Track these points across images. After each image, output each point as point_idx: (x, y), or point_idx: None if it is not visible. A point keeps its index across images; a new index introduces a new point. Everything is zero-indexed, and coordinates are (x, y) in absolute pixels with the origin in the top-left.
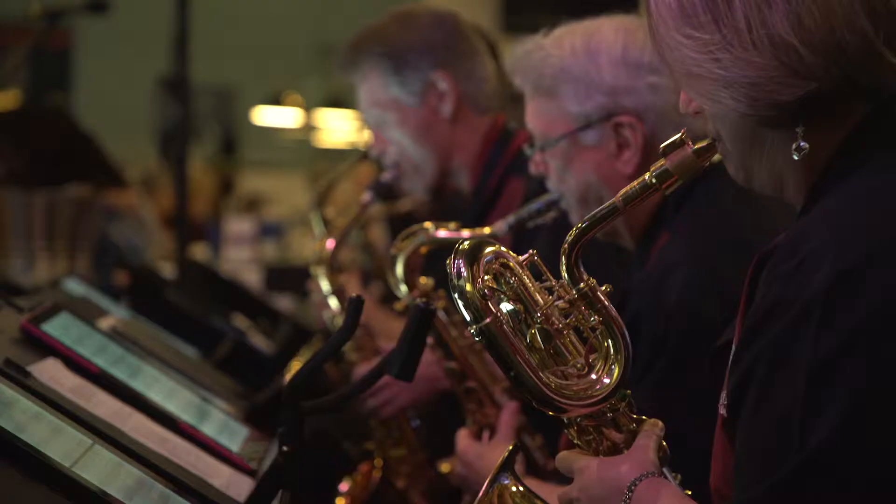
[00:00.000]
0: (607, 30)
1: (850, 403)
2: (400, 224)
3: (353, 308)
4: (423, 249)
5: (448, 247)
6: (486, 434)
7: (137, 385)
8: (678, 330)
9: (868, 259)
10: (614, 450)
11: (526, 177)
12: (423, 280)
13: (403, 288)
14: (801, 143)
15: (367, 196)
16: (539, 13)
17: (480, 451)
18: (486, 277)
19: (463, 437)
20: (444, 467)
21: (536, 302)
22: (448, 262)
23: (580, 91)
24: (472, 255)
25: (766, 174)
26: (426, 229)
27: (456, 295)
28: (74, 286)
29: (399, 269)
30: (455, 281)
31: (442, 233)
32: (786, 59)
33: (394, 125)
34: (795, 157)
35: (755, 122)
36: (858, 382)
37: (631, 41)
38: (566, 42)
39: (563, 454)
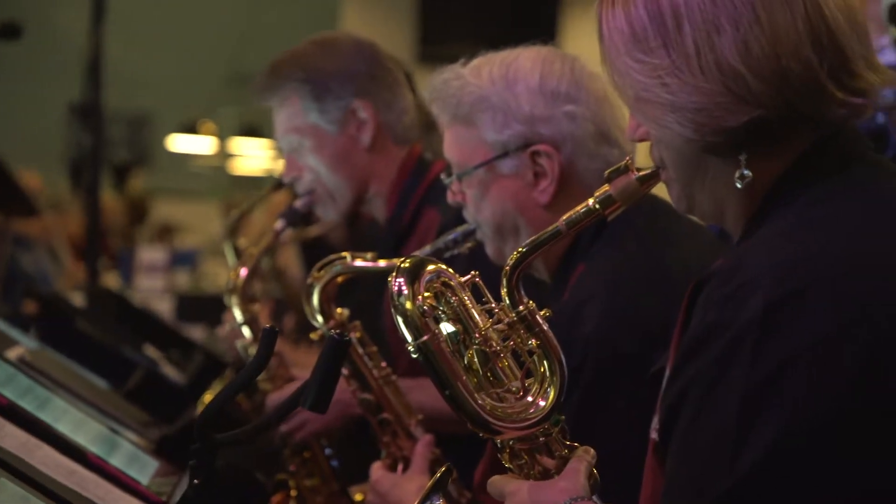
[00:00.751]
0: (525, 59)
1: (780, 430)
2: (311, 249)
3: (266, 339)
4: (340, 279)
5: (365, 277)
6: (400, 466)
7: (45, 417)
8: (595, 360)
9: (803, 287)
10: (546, 475)
11: (441, 207)
12: (339, 311)
13: (320, 318)
14: (745, 171)
15: (279, 223)
16: (455, 44)
17: (395, 481)
18: (426, 295)
19: (377, 469)
20: (358, 496)
21: (476, 323)
22: (389, 279)
23: (498, 119)
24: (414, 273)
25: (708, 201)
26: (343, 259)
27: (396, 312)
28: None
29: (315, 299)
30: (396, 298)
31: (359, 263)
32: (733, 86)
33: (310, 151)
34: (738, 185)
35: (700, 147)
36: (789, 409)
37: (548, 71)
38: (484, 71)
39: (494, 478)
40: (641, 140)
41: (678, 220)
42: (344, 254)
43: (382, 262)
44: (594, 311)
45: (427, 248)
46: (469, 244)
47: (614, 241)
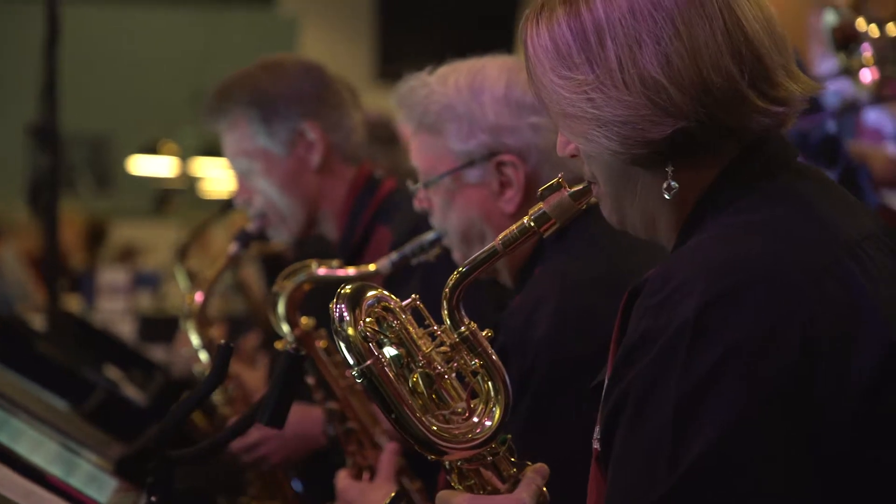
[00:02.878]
0: (491, 69)
1: (714, 431)
2: (272, 264)
3: (221, 355)
4: (306, 287)
5: (331, 285)
6: (366, 475)
7: (2, 437)
8: (545, 363)
9: (734, 290)
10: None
11: (393, 225)
12: (304, 320)
13: (285, 327)
14: (672, 183)
15: (233, 247)
16: (414, 62)
17: (362, 489)
18: (367, 321)
19: (343, 477)
20: None
21: (419, 346)
22: (331, 306)
23: (463, 129)
24: (355, 299)
25: (638, 215)
26: (308, 267)
27: (338, 338)
28: None
29: (281, 308)
30: (337, 325)
31: (325, 271)
32: (656, 98)
33: (260, 174)
34: (666, 197)
35: (627, 161)
36: (722, 410)
37: (514, 81)
38: (451, 79)
39: (441, 493)
40: (571, 156)
41: None
42: (309, 262)
43: (350, 269)
44: (545, 315)
45: (394, 255)
46: (435, 251)
47: (569, 245)
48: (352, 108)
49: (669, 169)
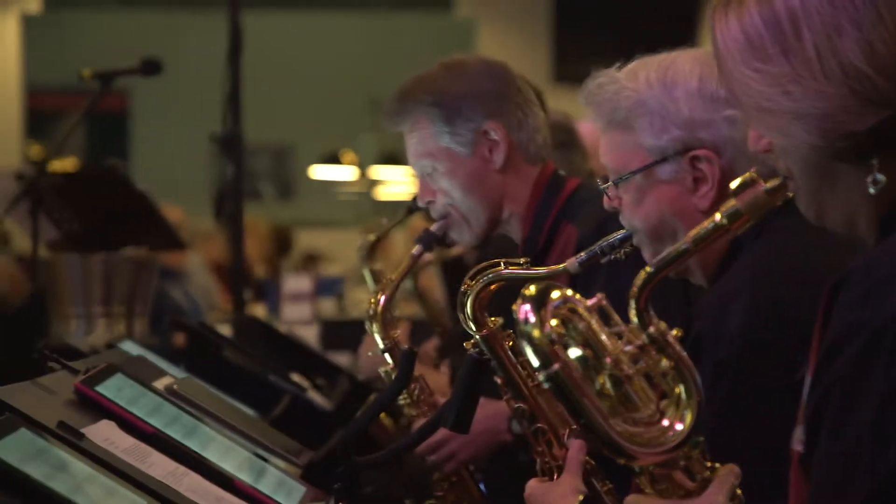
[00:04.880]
0: (683, 62)
1: None
2: (452, 269)
3: (405, 361)
4: (493, 287)
5: (519, 284)
6: (555, 476)
7: (193, 444)
8: (739, 356)
9: None
10: (687, 498)
11: (578, 222)
12: (492, 320)
13: (473, 326)
14: (878, 176)
15: (416, 248)
16: (591, 62)
17: (546, 488)
18: (553, 323)
19: (536, 487)
20: None
21: (605, 347)
22: (514, 307)
23: (656, 124)
24: (540, 301)
25: (839, 210)
26: (496, 267)
27: (524, 341)
28: (131, 348)
29: (468, 308)
30: (522, 327)
31: (512, 270)
32: (858, 88)
33: (444, 175)
34: (872, 191)
35: (828, 155)
36: None
37: (707, 73)
38: (641, 75)
39: (630, 497)
40: (765, 151)
41: None
42: (497, 261)
43: (539, 269)
44: (739, 304)
45: (583, 254)
46: (626, 249)
47: (766, 241)
48: (536, 108)
49: (874, 161)
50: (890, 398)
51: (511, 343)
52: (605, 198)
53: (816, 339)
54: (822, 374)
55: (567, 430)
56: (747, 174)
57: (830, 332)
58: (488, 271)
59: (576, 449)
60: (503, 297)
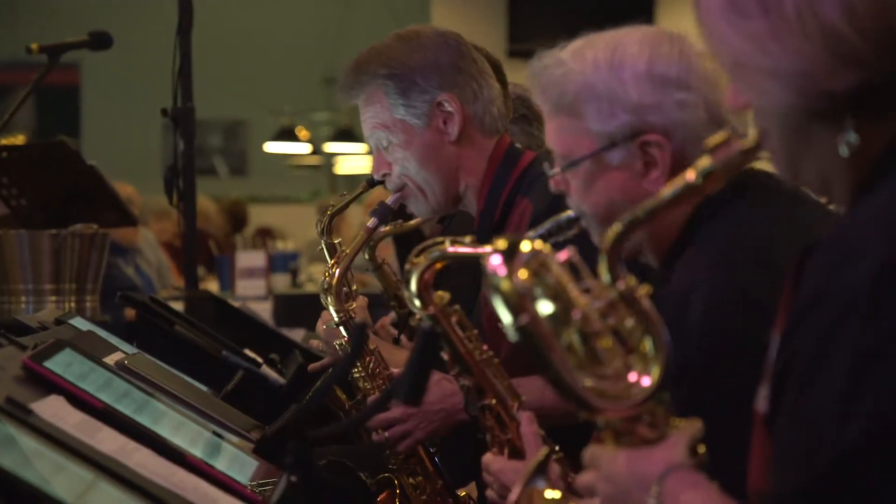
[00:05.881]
0: (631, 42)
1: (889, 400)
2: (407, 241)
3: (356, 334)
4: (439, 265)
5: (463, 263)
6: (506, 451)
7: (144, 420)
8: (704, 348)
9: None
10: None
11: (533, 197)
12: (438, 294)
13: (418, 303)
14: (850, 137)
15: (371, 221)
16: (545, 39)
17: (517, 467)
18: (523, 276)
19: (494, 460)
20: (462, 493)
21: (575, 302)
22: (484, 259)
23: (604, 110)
24: (510, 253)
25: (813, 172)
26: (442, 244)
27: (493, 292)
28: (81, 324)
29: (413, 285)
30: (492, 279)
31: (458, 248)
32: (837, 48)
33: (398, 147)
34: (845, 152)
35: (804, 115)
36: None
37: (657, 54)
38: (588, 56)
39: (591, 448)
40: (743, 109)
41: (794, 200)
42: (442, 238)
43: (486, 248)
44: (700, 297)
45: (530, 234)
46: (573, 231)
47: (721, 226)
48: (491, 79)
49: (849, 123)
50: (857, 367)
51: (457, 318)
52: (552, 182)
53: (785, 302)
54: (790, 337)
55: (516, 404)
56: (723, 133)
57: (801, 297)
58: (433, 248)
59: (527, 422)
60: (450, 273)
